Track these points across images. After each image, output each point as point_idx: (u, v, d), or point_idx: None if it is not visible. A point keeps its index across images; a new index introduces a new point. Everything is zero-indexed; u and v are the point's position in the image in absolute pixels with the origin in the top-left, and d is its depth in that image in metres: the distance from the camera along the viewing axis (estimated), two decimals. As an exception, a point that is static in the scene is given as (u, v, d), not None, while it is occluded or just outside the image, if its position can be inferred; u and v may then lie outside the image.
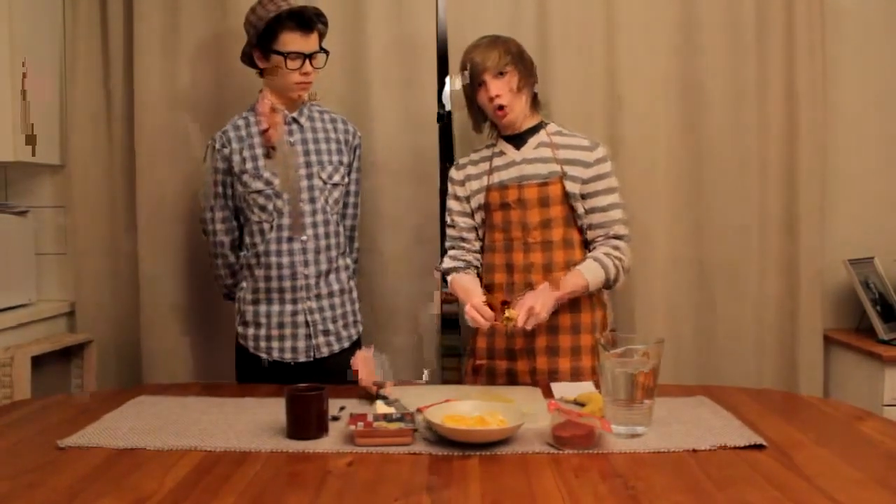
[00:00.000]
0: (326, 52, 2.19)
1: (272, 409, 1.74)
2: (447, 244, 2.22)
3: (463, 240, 2.17)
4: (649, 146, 2.61)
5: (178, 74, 2.65)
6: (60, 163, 2.78)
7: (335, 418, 1.67)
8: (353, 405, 1.79)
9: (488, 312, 1.92)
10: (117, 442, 1.55)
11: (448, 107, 2.82)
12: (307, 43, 2.12)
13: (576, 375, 2.04)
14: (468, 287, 2.04)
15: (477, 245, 2.17)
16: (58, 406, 1.86)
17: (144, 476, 1.38)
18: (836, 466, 1.39)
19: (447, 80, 2.76)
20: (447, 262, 2.18)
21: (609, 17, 2.60)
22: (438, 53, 2.66)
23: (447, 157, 2.69)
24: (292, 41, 2.11)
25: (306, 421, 1.56)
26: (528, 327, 1.89)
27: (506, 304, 1.95)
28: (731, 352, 2.64)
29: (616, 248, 2.04)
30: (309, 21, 2.12)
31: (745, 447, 1.49)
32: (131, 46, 2.66)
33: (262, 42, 2.14)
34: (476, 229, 2.16)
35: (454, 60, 2.61)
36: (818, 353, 2.65)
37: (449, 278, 2.16)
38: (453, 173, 2.19)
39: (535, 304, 1.88)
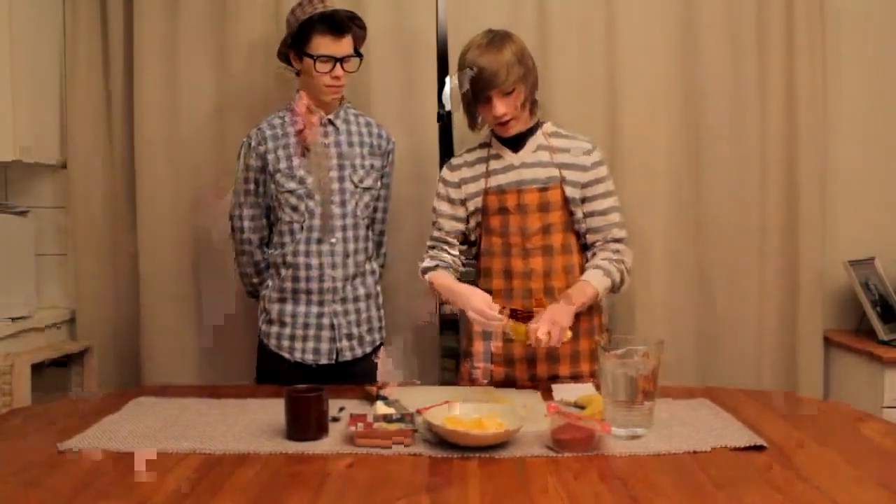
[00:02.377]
0: (360, 56, 2.18)
1: (272, 411, 1.74)
2: (428, 243, 2.16)
3: (447, 243, 2.12)
4: (649, 146, 2.61)
5: (179, 75, 2.65)
6: (60, 163, 2.78)
7: (335, 419, 1.67)
8: (353, 406, 1.79)
9: (494, 315, 1.85)
10: (117, 444, 1.54)
11: (448, 107, 2.82)
12: (338, 46, 2.11)
13: (575, 381, 2.02)
14: (452, 285, 1.98)
15: (458, 250, 2.14)
16: (58, 409, 1.86)
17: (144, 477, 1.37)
18: (837, 467, 1.39)
19: (447, 80, 2.75)
20: (427, 262, 2.11)
21: (609, 17, 2.60)
22: (438, 53, 2.65)
23: (447, 157, 2.68)
24: (323, 44, 2.11)
25: (306, 422, 1.56)
26: (558, 344, 1.84)
27: (513, 312, 1.93)
28: (731, 353, 2.64)
29: (617, 251, 2.02)
30: (340, 24, 2.11)
31: (746, 448, 1.49)
32: (131, 46, 2.66)
33: (295, 44, 2.15)
34: (462, 233, 2.12)
35: (454, 60, 2.60)
36: (818, 354, 2.64)
37: (428, 276, 2.08)
38: (447, 175, 2.13)
39: (559, 320, 1.83)
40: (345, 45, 2.13)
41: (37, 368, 2.46)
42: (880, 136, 2.73)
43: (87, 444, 1.55)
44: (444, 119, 2.75)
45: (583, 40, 2.60)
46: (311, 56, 2.11)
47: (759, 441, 1.51)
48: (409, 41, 2.62)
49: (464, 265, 2.17)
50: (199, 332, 2.70)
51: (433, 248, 2.15)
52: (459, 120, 2.61)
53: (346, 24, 2.12)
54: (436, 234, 2.15)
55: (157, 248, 2.66)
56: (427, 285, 2.09)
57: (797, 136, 2.61)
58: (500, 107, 1.93)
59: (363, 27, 2.20)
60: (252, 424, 1.66)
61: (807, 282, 2.62)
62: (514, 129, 2.01)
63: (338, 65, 2.12)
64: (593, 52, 2.61)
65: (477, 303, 1.87)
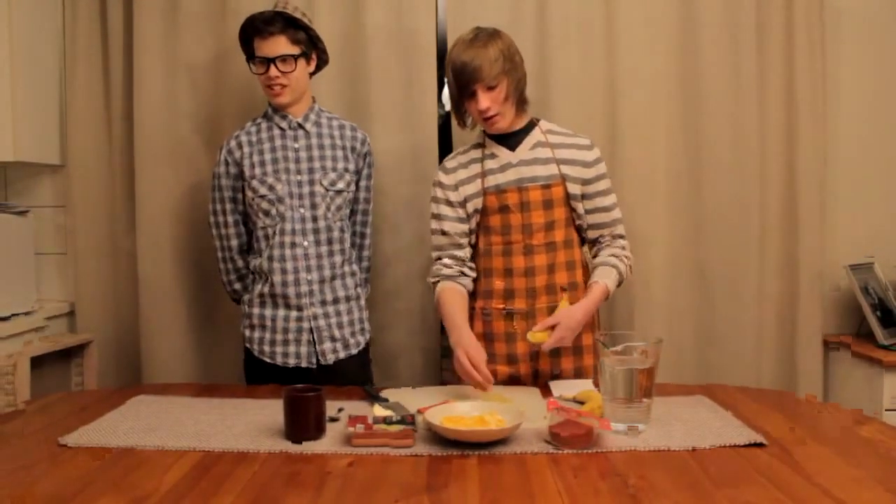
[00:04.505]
0: (299, 56, 2.14)
1: (271, 411, 1.74)
2: (435, 254, 2.10)
3: (458, 246, 2.07)
4: (649, 146, 2.61)
5: (178, 74, 2.65)
6: (60, 163, 2.78)
7: (333, 419, 1.67)
8: (351, 407, 1.79)
9: (485, 373, 1.81)
10: (117, 441, 1.55)
11: (448, 107, 2.81)
12: (268, 47, 2.12)
13: (579, 375, 2.03)
14: (457, 318, 1.95)
15: (467, 251, 2.09)
16: (58, 404, 1.86)
17: (143, 475, 1.38)
18: (836, 465, 1.39)
19: (447, 80, 2.75)
20: (442, 270, 2.07)
21: (609, 16, 2.60)
22: (438, 53, 2.66)
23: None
24: (257, 46, 2.14)
25: (304, 422, 1.55)
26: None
27: (509, 313, 1.92)
28: (731, 353, 2.64)
29: (623, 248, 2.05)
30: (265, 24, 2.11)
31: (745, 445, 1.49)
32: (131, 46, 2.66)
33: (245, 51, 2.20)
34: (468, 234, 2.09)
35: (454, 61, 2.61)
36: (817, 354, 2.64)
37: (439, 288, 2.05)
38: (443, 178, 2.09)
39: (565, 336, 1.87)
40: (274, 45, 2.12)
41: (36, 362, 2.46)
42: (880, 137, 2.73)
43: (88, 439, 1.55)
44: (444, 119, 2.75)
45: (583, 40, 2.61)
46: (250, 59, 2.17)
47: (759, 438, 1.51)
48: (409, 41, 2.62)
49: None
50: (198, 331, 2.70)
51: (439, 258, 2.09)
52: (459, 119, 2.62)
53: (269, 22, 2.11)
54: (443, 240, 2.08)
55: (156, 247, 2.66)
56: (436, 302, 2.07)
57: (797, 136, 2.62)
58: (484, 101, 1.94)
59: (302, 27, 2.16)
60: (251, 424, 1.66)
61: (806, 283, 2.62)
62: (500, 124, 2.00)
63: (271, 65, 2.12)
64: (593, 52, 2.61)
65: (461, 357, 1.84)
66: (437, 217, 2.10)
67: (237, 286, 2.34)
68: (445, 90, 2.90)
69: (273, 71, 2.12)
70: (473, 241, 2.11)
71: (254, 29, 2.13)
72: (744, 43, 2.60)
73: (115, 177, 2.76)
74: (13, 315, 2.55)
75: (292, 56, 2.14)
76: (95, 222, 2.76)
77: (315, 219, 2.18)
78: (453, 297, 2.01)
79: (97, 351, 2.74)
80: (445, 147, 2.70)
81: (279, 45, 2.12)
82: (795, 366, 2.64)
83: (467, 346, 1.85)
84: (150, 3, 2.63)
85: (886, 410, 2.42)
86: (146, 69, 2.64)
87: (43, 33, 2.69)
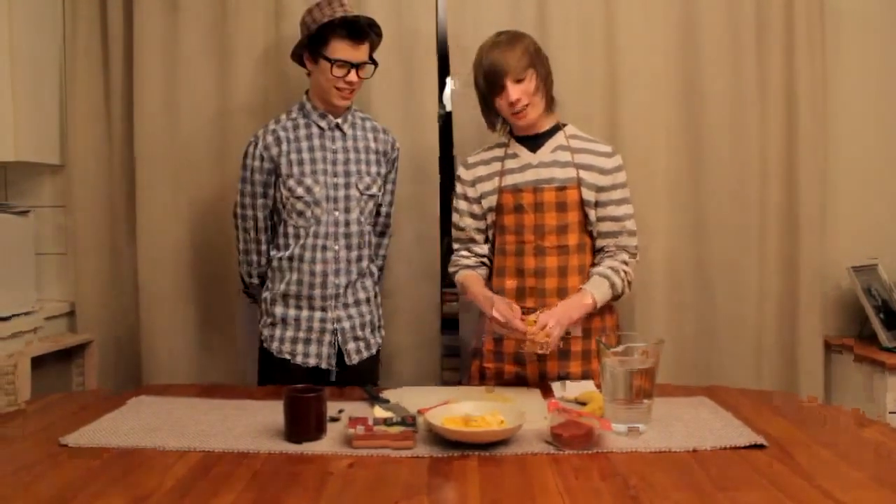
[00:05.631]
0: (375, 64, 2.17)
1: (272, 411, 1.73)
2: (454, 245, 2.18)
3: (473, 241, 2.14)
4: (649, 146, 2.60)
5: (178, 74, 2.65)
6: (60, 163, 2.78)
7: (334, 419, 1.66)
8: (352, 408, 1.78)
9: (517, 326, 1.87)
10: (117, 441, 1.55)
11: (448, 107, 2.81)
12: (356, 53, 2.10)
13: (587, 379, 2.02)
14: (484, 292, 2.02)
15: (485, 248, 2.14)
16: (58, 404, 1.86)
17: (144, 475, 1.38)
18: (838, 467, 1.39)
19: (447, 80, 2.75)
20: (461, 260, 2.15)
21: (609, 17, 2.60)
22: (438, 53, 2.65)
23: (447, 158, 2.68)
24: (341, 49, 2.09)
25: (305, 422, 1.55)
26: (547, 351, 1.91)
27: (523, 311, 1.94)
28: (731, 353, 2.63)
29: (625, 262, 2.04)
30: (361, 31, 2.10)
31: (746, 447, 1.48)
32: (131, 46, 2.66)
33: (312, 45, 2.13)
34: (484, 231, 2.13)
35: (454, 60, 2.61)
36: (818, 355, 2.63)
37: (460, 277, 2.12)
38: (462, 173, 2.15)
39: (555, 328, 1.88)
40: (362, 52, 2.12)
41: (37, 362, 2.46)
42: (881, 137, 2.72)
43: (89, 440, 1.55)
44: (444, 119, 2.75)
45: (583, 40, 2.60)
46: (328, 59, 2.09)
47: (760, 440, 1.51)
48: (409, 41, 2.62)
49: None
50: (198, 331, 2.70)
51: (457, 249, 2.18)
52: (459, 120, 2.62)
53: (366, 30, 2.11)
54: (460, 234, 2.16)
55: (157, 247, 2.66)
56: (459, 288, 2.15)
57: (797, 136, 2.61)
58: (514, 92, 1.95)
59: (380, 35, 2.19)
60: (252, 424, 1.66)
61: (806, 283, 2.61)
62: (530, 115, 2.00)
63: (353, 70, 2.11)
64: (593, 52, 2.61)
65: (502, 306, 1.91)
66: (456, 210, 2.16)
67: (255, 281, 2.31)
68: (446, 90, 2.91)
69: (353, 76, 2.11)
70: (490, 237, 2.13)
71: (346, 31, 2.08)
72: (744, 43, 2.60)
73: (115, 177, 2.75)
74: (13, 315, 2.55)
75: (370, 63, 2.16)
76: (95, 222, 2.75)
77: (348, 223, 2.17)
78: (476, 279, 2.10)
79: (97, 351, 2.74)
80: (446, 147, 2.69)
81: (364, 52, 2.13)
82: (796, 367, 2.63)
83: (497, 307, 1.91)
84: (151, 3, 2.63)
85: (890, 413, 2.40)
86: (146, 69, 2.63)
87: (43, 33, 2.69)
